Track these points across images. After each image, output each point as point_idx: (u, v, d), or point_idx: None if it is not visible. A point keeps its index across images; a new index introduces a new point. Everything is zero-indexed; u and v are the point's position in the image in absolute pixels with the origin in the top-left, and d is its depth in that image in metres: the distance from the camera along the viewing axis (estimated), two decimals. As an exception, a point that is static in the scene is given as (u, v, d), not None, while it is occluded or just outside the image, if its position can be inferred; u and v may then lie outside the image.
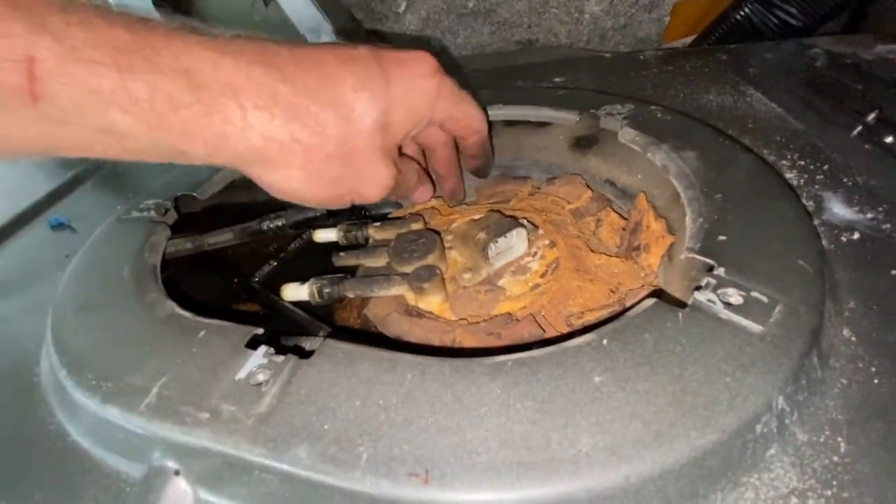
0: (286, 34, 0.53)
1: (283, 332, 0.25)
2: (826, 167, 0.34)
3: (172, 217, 0.36)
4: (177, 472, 0.20)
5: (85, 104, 0.18)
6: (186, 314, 0.26)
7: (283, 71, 0.22)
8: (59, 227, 0.42)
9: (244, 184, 0.38)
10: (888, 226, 0.29)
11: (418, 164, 0.33)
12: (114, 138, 0.19)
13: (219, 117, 0.20)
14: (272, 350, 0.22)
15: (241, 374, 0.21)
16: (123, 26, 0.19)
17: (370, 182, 0.26)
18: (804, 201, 0.31)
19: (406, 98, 0.25)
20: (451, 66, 0.30)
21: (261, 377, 0.21)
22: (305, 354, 0.22)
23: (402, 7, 0.62)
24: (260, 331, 0.24)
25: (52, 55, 0.17)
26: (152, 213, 0.35)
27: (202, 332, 0.24)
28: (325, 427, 0.19)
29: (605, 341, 0.21)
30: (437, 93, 0.27)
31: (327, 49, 0.24)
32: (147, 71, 0.19)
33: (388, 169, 0.26)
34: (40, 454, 0.24)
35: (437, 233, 0.34)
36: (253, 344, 0.23)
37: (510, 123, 0.42)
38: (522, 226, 0.33)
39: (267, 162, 0.22)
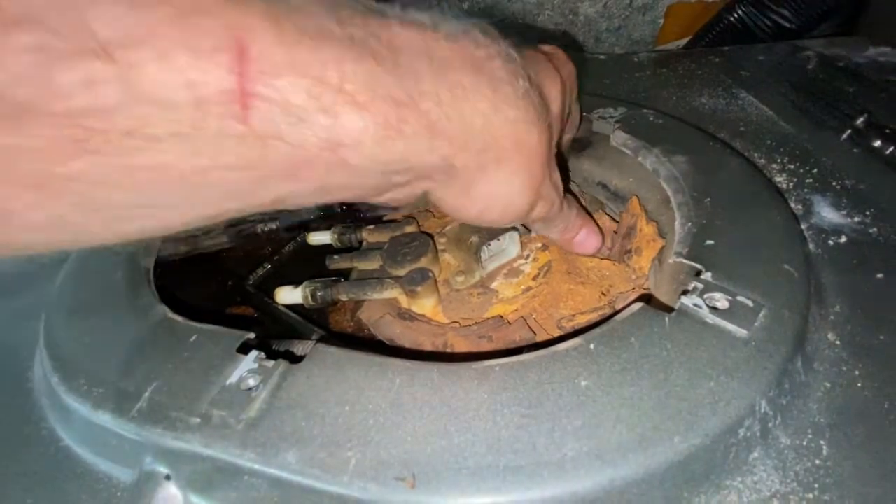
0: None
1: (275, 337, 0.26)
2: (815, 171, 0.34)
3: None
4: (167, 477, 0.21)
5: (307, 105, 0.13)
6: (178, 319, 0.26)
7: (504, 46, 0.18)
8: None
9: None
10: (875, 229, 0.29)
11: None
12: (335, 155, 0.14)
13: (465, 105, 0.16)
14: (263, 355, 0.22)
15: (232, 379, 0.22)
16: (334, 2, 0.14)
17: (553, 183, 0.22)
18: (793, 205, 0.32)
19: (566, 86, 0.23)
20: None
21: (251, 382, 0.21)
22: (296, 359, 0.22)
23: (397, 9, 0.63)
24: (251, 335, 0.24)
25: (269, 35, 0.12)
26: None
27: (194, 337, 0.24)
28: (315, 432, 0.19)
29: (592, 346, 0.21)
30: (575, 85, 0.25)
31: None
32: (383, 49, 0.14)
33: (557, 172, 0.23)
34: (32, 459, 0.24)
35: (430, 236, 0.35)
36: (244, 349, 0.23)
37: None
38: (515, 229, 0.34)
39: (498, 158, 0.18)
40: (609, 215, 0.37)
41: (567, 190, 0.27)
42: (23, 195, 0.12)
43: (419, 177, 0.18)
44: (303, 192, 0.15)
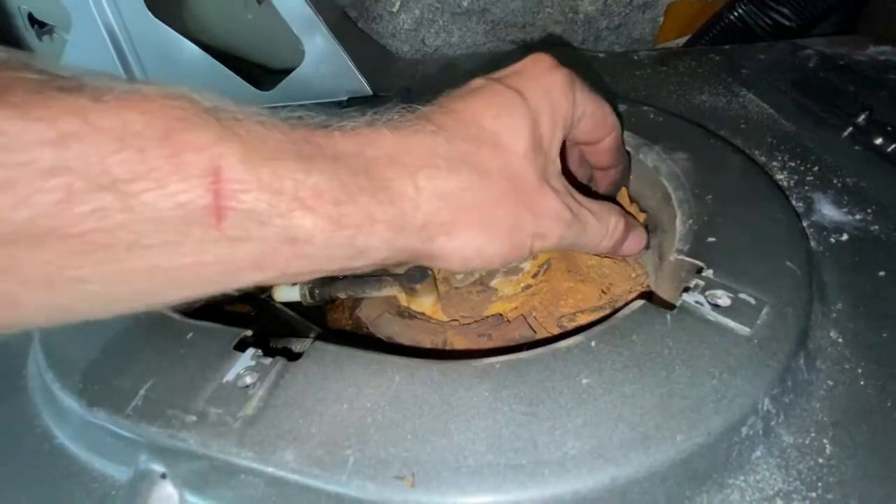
0: (278, 33, 0.53)
1: (273, 334, 0.25)
2: (816, 168, 0.34)
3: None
4: (163, 476, 0.20)
5: (268, 211, 0.16)
6: (175, 315, 0.25)
7: (433, 122, 0.20)
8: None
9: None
10: (876, 227, 0.29)
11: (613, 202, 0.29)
12: (293, 248, 0.17)
13: (395, 192, 0.19)
14: (260, 352, 0.22)
15: (229, 377, 0.21)
16: (283, 120, 0.18)
17: (546, 215, 0.22)
18: (794, 202, 0.32)
19: (544, 101, 0.22)
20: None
21: (248, 380, 0.21)
22: (293, 357, 0.22)
23: (397, 6, 0.62)
24: (248, 333, 0.24)
25: (238, 161, 0.16)
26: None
27: (190, 334, 0.24)
28: (313, 430, 0.19)
29: (593, 343, 0.21)
30: (570, 83, 0.23)
31: (450, 94, 0.23)
32: (325, 160, 0.17)
33: (558, 194, 0.22)
34: (26, 457, 0.23)
35: (429, 233, 0.34)
36: (241, 346, 0.23)
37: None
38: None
39: (444, 229, 0.20)
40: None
41: (595, 196, 0.26)
42: (34, 292, 0.15)
43: (378, 261, 0.20)
44: (269, 279, 0.18)
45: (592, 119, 0.25)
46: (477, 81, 0.23)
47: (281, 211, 0.16)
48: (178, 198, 0.15)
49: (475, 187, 0.20)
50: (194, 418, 0.20)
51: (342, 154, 0.18)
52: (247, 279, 0.18)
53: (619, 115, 0.27)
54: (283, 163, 0.16)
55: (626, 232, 0.26)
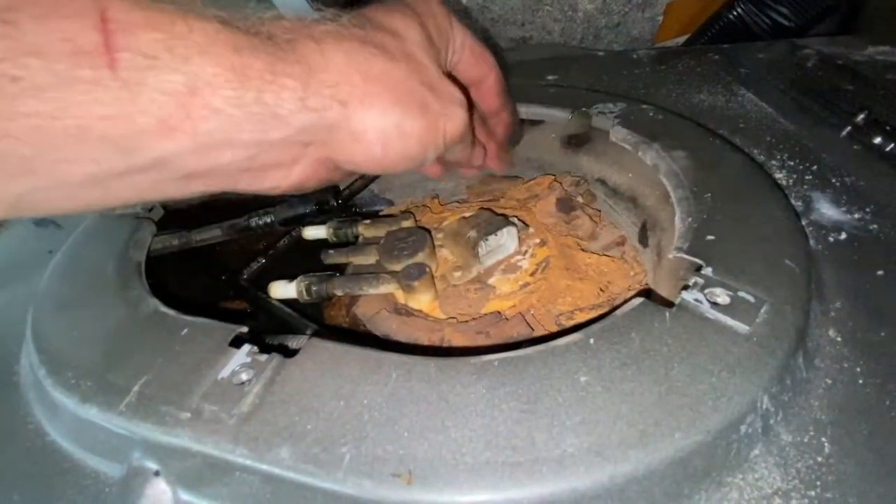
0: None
1: (269, 331, 0.25)
2: (815, 167, 0.34)
3: (158, 213, 0.35)
4: (157, 473, 0.20)
5: (164, 54, 0.15)
6: (170, 312, 0.25)
7: (338, 19, 0.21)
8: (42, 222, 0.41)
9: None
10: (875, 226, 0.29)
11: None
12: (197, 101, 0.16)
13: (299, 51, 0.18)
14: (256, 349, 0.22)
15: (224, 374, 0.21)
16: None
17: (448, 98, 0.23)
18: (793, 201, 0.32)
19: (428, 13, 0.25)
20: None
21: (244, 376, 0.21)
22: (290, 353, 0.22)
23: (395, 3, 0.62)
24: (244, 329, 0.23)
25: (122, 10, 0.15)
26: (138, 209, 0.35)
27: (185, 331, 0.24)
28: (308, 427, 0.19)
29: (591, 341, 0.21)
30: (449, 14, 0.26)
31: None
32: (226, 17, 0.17)
33: (456, 87, 0.24)
34: (18, 454, 0.23)
35: (428, 231, 0.34)
36: (237, 342, 0.22)
37: (502, 121, 0.42)
38: (513, 224, 0.33)
39: (358, 95, 0.20)
40: (589, 216, 0.36)
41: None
42: None
43: (303, 141, 0.19)
44: (180, 150, 0.17)
45: (472, 53, 0.27)
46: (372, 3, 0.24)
47: (178, 54, 0.15)
48: (62, 33, 0.14)
49: (380, 60, 0.21)
50: (188, 415, 0.20)
51: (252, 23, 0.18)
52: (149, 149, 0.16)
53: (502, 62, 0.29)
54: (174, 8, 0.16)
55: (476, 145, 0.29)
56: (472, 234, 0.33)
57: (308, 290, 0.32)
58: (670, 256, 0.25)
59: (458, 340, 0.29)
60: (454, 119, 0.23)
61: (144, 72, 0.15)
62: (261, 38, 0.18)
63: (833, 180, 0.33)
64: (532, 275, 0.32)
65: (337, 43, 0.20)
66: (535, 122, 0.41)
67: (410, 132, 0.21)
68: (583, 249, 0.34)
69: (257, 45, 0.17)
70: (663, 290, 0.25)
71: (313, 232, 0.38)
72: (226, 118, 0.17)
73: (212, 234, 0.38)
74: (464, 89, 0.26)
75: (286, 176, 0.21)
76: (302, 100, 0.18)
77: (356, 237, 0.37)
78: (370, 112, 0.20)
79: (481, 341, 0.29)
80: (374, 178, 0.43)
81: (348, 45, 0.20)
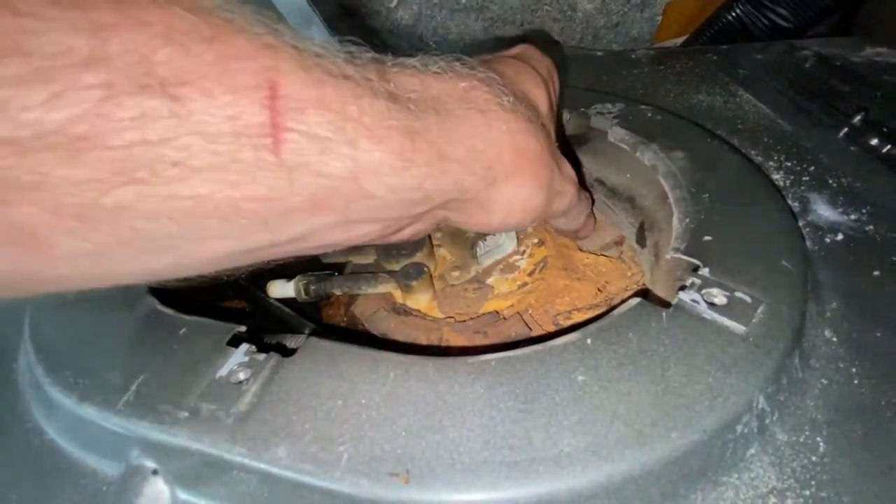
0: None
1: (267, 330, 0.25)
2: (812, 168, 0.34)
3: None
4: (154, 472, 0.20)
5: (332, 136, 0.14)
6: (168, 311, 0.25)
7: (484, 71, 0.20)
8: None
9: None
10: (871, 227, 0.29)
11: None
12: (356, 186, 0.15)
13: (465, 129, 0.18)
14: (254, 348, 0.22)
15: (222, 373, 0.21)
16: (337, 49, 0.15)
17: (565, 174, 0.23)
18: (790, 202, 0.32)
19: (552, 81, 0.24)
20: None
21: (241, 375, 0.21)
22: (288, 352, 0.22)
23: (395, 2, 0.62)
24: (242, 328, 0.23)
25: (296, 74, 0.13)
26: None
27: (183, 330, 0.24)
28: (306, 426, 0.19)
29: (589, 341, 0.21)
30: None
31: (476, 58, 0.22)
32: (388, 90, 0.16)
33: (566, 164, 0.24)
34: (16, 452, 0.23)
35: (426, 230, 0.34)
36: (234, 342, 0.22)
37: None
38: (511, 224, 0.33)
39: (505, 172, 0.19)
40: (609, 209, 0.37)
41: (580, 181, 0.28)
42: (65, 224, 0.12)
43: (435, 206, 0.19)
44: (325, 226, 0.16)
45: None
46: (489, 56, 0.23)
47: (347, 137, 0.14)
48: (228, 110, 0.13)
49: (532, 138, 0.20)
50: (186, 414, 0.20)
51: (405, 87, 0.17)
52: (302, 225, 0.15)
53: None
54: (348, 84, 0.14)
55: (590, 218, 0.29)
56: (471, 234, 0.33)
57: (306, 289, 0.32)
58: (668, 257, 0.26)
59: (457, 340, 0.29)
60: (566, 197, 0.24)
61: (310, 156, 0.14)
62: (427, 111, 0.17)
63: (830, 181, 0.33)
64: (530, 275, 0.32)
65: (499, 115, 0.19)
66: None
67: (532, 207, 0.21)
68: (581, 249, 0.34)
69: (430, 125, 0.16)
70: (660, 291, 0.26)
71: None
72: (379, 204, 0.16)
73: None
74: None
75: (400, 234, 0.20)
76: (459, 182, 0.18)
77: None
78: (508, 186, 0.20)
79: (479, 341, 0.29)
80: None
81: (506, 117, 0.19)
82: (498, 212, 0.21)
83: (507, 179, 0.20)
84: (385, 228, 0.18)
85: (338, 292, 0.32)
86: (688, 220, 0.27)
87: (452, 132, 0.17)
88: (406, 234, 0.21)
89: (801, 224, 0.30)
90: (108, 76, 0.11)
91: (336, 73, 0.14)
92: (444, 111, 0.17)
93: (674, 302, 0.22)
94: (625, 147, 0.35)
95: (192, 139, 0.12)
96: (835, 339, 0.24)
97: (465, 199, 0.19)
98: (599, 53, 0.55)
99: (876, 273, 0.27)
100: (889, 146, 0.35)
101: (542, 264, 0.32)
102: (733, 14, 0.59)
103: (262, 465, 0.18)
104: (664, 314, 0.22)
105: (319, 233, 0.16)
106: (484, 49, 0.25)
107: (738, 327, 0.21)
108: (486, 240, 0.32)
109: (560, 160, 0.23)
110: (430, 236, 0.33)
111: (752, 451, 0.20)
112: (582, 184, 0.27)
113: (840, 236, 0.29)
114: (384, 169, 0.15)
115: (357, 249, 0.35)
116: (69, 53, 0.11)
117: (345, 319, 0.35)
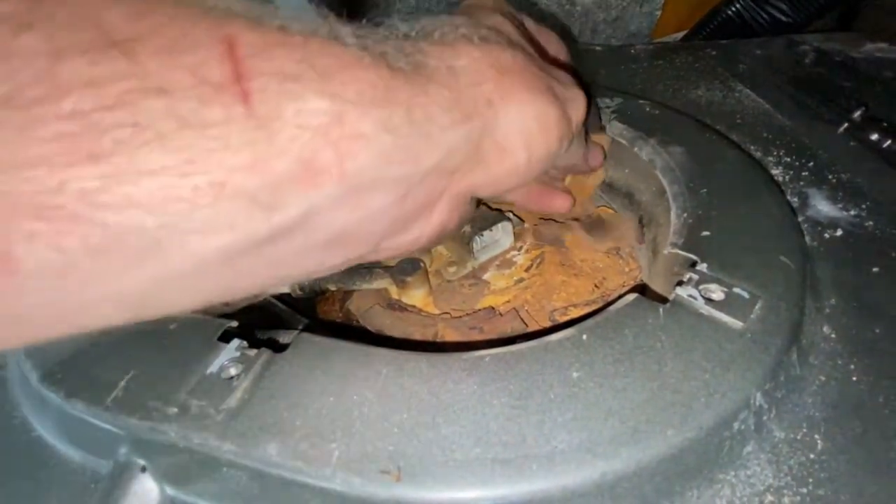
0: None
1: (260, 325, 0.25)
2: (812, 164, 0.34)
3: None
4: (143, 469, 0.20)
5: (302, 75, 0.13)
6: (158, 306, 0.25)
7: (446, 19, 0.20)
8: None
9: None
10: (871, 223, 0.29)
11: None
12: (344, 130, 0.14)
13: (440, 61, 0.17)
14: (245, 343, 0.22)
15: (213, 369, 0.21)
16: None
17: (569, 84, 0.22)
18: (789, 198, 0.31)
19: (512, 15, 0.24)
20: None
21: (232, 371, 0.20)
22: (279, 348, 0.22)
23: (392, -5, 0.61)
24: (233, 324, 0.23)
25: (255, 31, 0.13)
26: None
27: (173, 325, 0.23)
28: (297, 423, 0.19)
29: (584, 336, 0.21)
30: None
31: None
32: (358, 33, 0.15)
33: (558, 68, 0.23)
34: (3, 449, 0.23)
35: (421, 225, 0.34)
36: (226, 337, 0.22)
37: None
38: (508, 219, 0.33)
39: (498, 99, 0.19)
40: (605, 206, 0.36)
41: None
42: (24, 226, 0.11)
43: (444, 168, 0.18)
44: (327, 200, 0.14)
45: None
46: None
47: (319, 71, 0.13)
48: (187, 62, 0.12)
49: (506, 50, 0.19)
50: (176, 410, 0.20)
51: (376, 36, 0.16)
52: (292, 202, 0.14)
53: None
54: (308, 33, 0.14)
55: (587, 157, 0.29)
56: (467, 229, 0.32)
57: (300, 284, 0.31)
58: (665, 252, 0.25)
59: (452, 336, 0.29)
60: (578, 101, 0.22)
61: (283, 102, 0.13)
62: (395, 47, 0.16)
63: (829, 177, 0.33)
64: (527, 270, 0.32)
65: (468, 42, 0.18)
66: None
67: (550, 124, 0.20)
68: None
69: (397, 56, 0.16)
70: (658, 286, 0.25)
71: None
72: (375, 148, 0.14)
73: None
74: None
75: (427, 222, 0.19)
76: (451, 110, 0.17)
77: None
78: (510, 109, 0.19)
79: (475, 337, 0.28)
80: None
81: (476, 45, 0.19)
82: (519, 147, 0.19)
83: (504, 100, 0.18)
84: (400, 203, 0.16)
85: (332, 287, 0.32)
86: (686, 215, 0.27)
87: (428, 58, 0.17)
88: (434, 222, 0.19)
89: (800, 219, 0.30)
90: (49, 36, 0.11)
91: (297, 27, 0.14)
92: (417, 49, 0.17)
93: (671, 297, 0.22)
94: (623, 142, 0.34)
95: (153, 101, 0.11)
96: (833, 335, 0.24)
97: (478, 146, 0.18)
98: (598, 48, 0.55)
99: (875, 269, 0.27)
100: (889, 142, 0.35)
101: (538, 260, 0.32)
102: (733, 9, 0.58)
103: (252, 463, 0.18)
104: (661, 310, 0.21)
105: (323, 212, 0.14)
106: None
107: (735, 323, 0.21)
108: (482, 235, 0.32)
109: (552, 68, 0.22)
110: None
111: (749, 448, 0.19)
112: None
113: (839, 232, 0.29)
114: (366, 99, 0.14)
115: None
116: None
117: (340, 315, 0.35)
